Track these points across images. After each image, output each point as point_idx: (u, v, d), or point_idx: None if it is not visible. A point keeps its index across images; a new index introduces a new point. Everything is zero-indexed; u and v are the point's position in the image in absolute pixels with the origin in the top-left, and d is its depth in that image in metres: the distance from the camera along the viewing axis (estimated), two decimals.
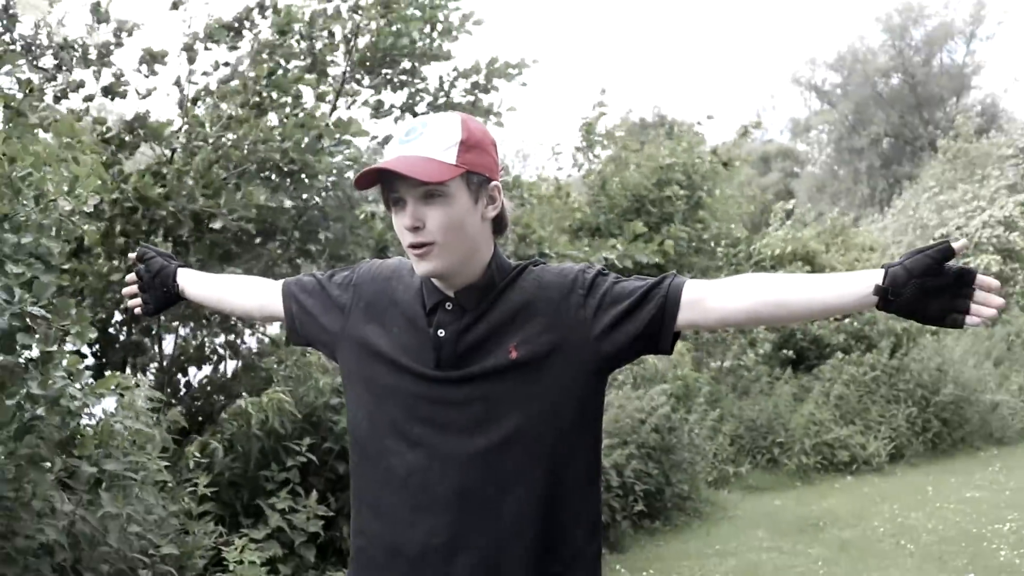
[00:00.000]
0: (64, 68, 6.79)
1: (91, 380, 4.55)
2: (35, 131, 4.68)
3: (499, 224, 2.27)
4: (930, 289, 1.93)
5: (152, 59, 7.00)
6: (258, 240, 6.93)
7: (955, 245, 1.92)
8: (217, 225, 6.18)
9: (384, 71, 8.04)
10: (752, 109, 55.46)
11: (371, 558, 2.27)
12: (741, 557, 8.02)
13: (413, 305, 2.26)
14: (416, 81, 8.13)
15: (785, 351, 13.94)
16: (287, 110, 6.90)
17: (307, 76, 7.17)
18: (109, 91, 6.98)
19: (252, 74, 6.97)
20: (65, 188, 4.09)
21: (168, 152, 6.72)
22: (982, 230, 21.56)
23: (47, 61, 6.79)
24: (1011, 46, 72.16)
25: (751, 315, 2.14)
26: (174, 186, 6.28)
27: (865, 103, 46.35)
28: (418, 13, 7.80)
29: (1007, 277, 19.88)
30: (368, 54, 7.86)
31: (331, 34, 7.73)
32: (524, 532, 2.15)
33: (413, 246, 2.13)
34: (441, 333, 2.19)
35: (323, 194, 7.02)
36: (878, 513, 9.56)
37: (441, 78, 8.16)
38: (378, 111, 8.16)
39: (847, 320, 13.88)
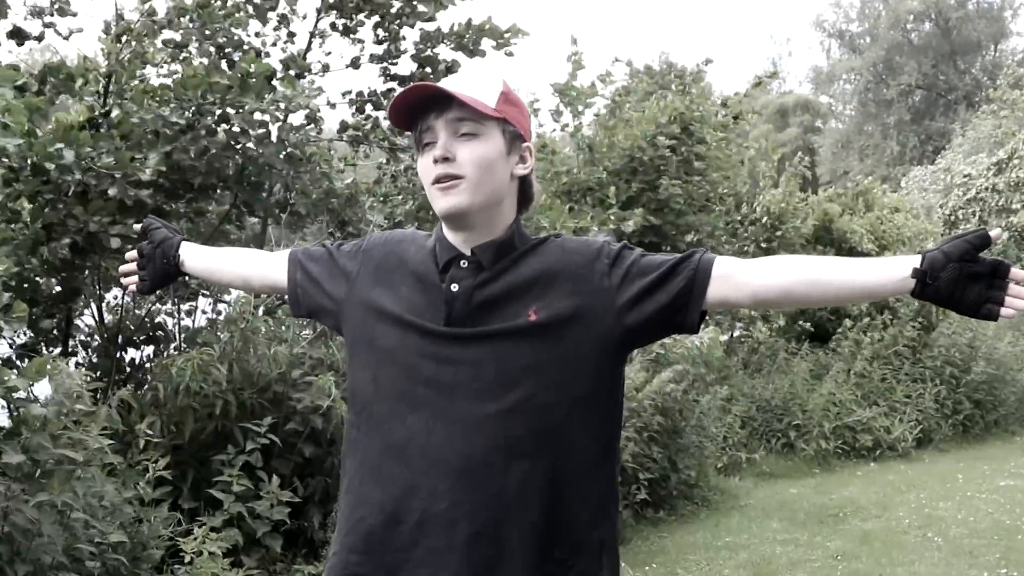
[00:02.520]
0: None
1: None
2: None
3: (525, 193, 2.39)
4: (967, 275, 2.05)
5: None
6: (191, 196, 6.85)
7: (992, 234, 2.07)
8: (112, 191, 6.05)
9: (359, 17, 7.99)
10: (767, 57, 55.29)
11: (370, 529, 2.29)
12: (753, 550, 8.00)
13: (425, 262, 2.34)
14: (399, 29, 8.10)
15: (801, 323, 13.88)
16: (219, 45, 6.79)
17: (239, 14, 7.02)
18: (18, 35, 6.87)
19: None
20: None
21: (94, 104, 6.54)
22: None
23: None
24: None
25: (785, 292, 2.22)
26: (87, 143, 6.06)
27: (894, 50, 46.20)
28: None
29: None
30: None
31: None
32: (528, 507, 2.19)
33: (439, 179, 2.23)
34: (454, 288, 2.27)
35: (264, 143, 6.88)
36: (903, 503, 9.56)
37: (425, 34, 8.12)
38: (355, 64, 8.12)
39: None
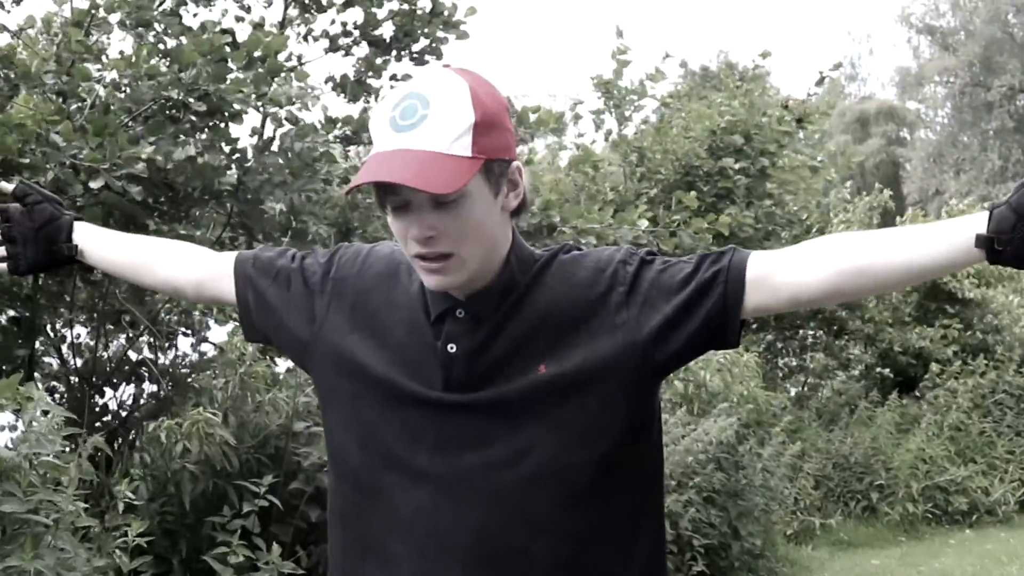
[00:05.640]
0: None
1: None
2: None
3: (519, 207, 2.25)
4: None
5: None
6: (170, 209, 6.85)
7: None
8: (97, 184, 5.92)
9: None
10: (845, 56, 55.05)
11: None
12: None
13: (412, 309, 2.24)
14: None
15: (881, 369, 13.81)
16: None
17: None
18: None
19: None
20: None
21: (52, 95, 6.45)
22: None
23: None
24: None
25: (830, 289, 2.11)
26: (48, 137, 5.93)
27: (994, 48, 45.95)
28: None
29: None
30: None
31: None
32: None
33: (423, 257, 2.10)
34: (452, 348, 2.17)
35: (259, 150, 6.92)
36: None
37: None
38: (334, 46, 8.18)
39: (962, 330, 13.77)
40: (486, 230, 2.13)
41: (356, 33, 8.26)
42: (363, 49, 8.29)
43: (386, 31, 8.21)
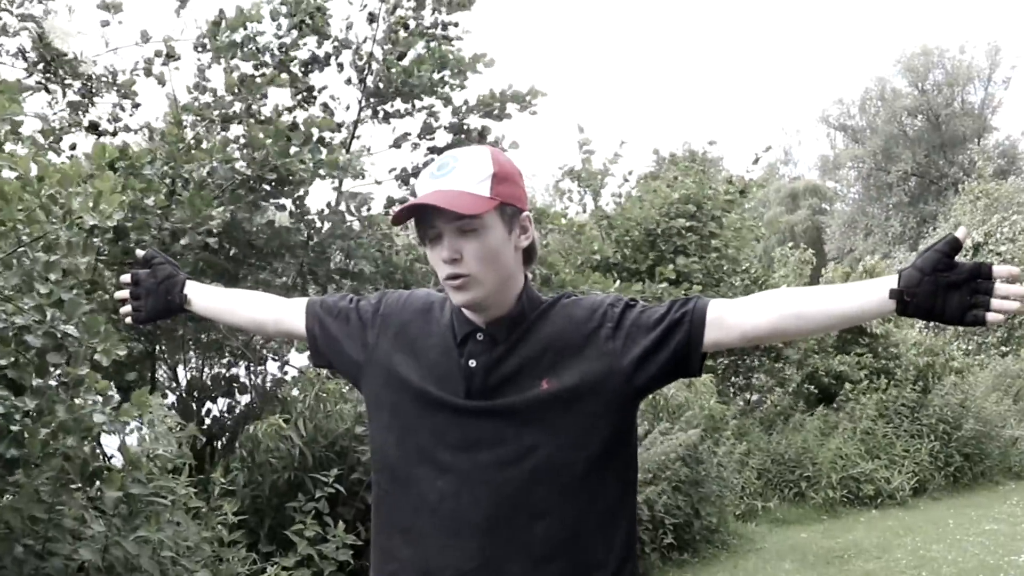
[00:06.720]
0: (90, 97, 6.74)
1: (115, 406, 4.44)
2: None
3: (529, 254, 2.26)
4: (945, 285, 1.91)
5: (127, 91, 7.00)
6: (256, 262, 6.80)
7: (958, 234, 1.92)
8: (184, 241, 5.94)
9: (397, 101, 8.05)
10: (780, 146, 55.28)
11: None
12: None
13: (443, 336, 2.24)
14: (432, 107, 8.13)
15: (808, 387, 13.80)
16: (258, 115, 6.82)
17: (281, 76, 7.05)
18: (94, 128, 6.89)
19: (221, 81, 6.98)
20: (90, 204, 4.02)
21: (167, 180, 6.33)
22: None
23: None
24: None
25: (773, 329, 2.12)
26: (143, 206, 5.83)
27: (891, 141, 46.12)
28: (424, 52, 7.84)
29: None
30: (380, 86, 7.86)
31: (340, 67, 7.86)
32: (555, 558, 2.12)
33: (450, 277, 2.12)
34: (472, 363, 2.17)
35: (324, 211, 6.91)
36: (901, 546, 9.46)
37: (456, 107, 8.14)
38: (398, 143, 8.14)
39: (871, 357, 13.79)
40: (500, 259, 2.14)
41: (414, 137, 8.25)
42: (421, 153, 8.24)
43: (440, 138, 8.24)
